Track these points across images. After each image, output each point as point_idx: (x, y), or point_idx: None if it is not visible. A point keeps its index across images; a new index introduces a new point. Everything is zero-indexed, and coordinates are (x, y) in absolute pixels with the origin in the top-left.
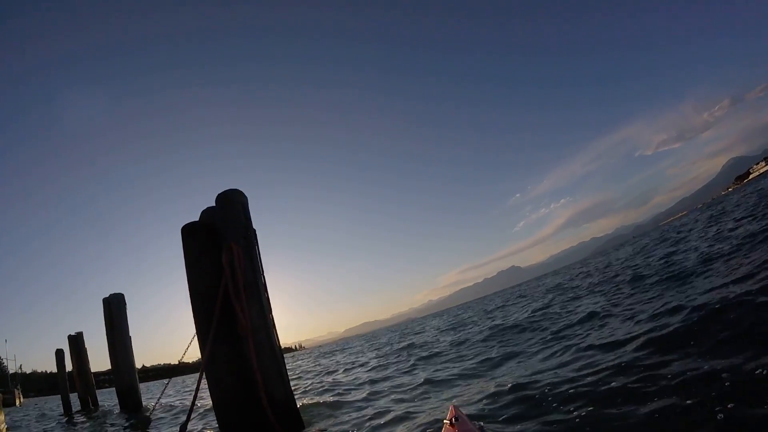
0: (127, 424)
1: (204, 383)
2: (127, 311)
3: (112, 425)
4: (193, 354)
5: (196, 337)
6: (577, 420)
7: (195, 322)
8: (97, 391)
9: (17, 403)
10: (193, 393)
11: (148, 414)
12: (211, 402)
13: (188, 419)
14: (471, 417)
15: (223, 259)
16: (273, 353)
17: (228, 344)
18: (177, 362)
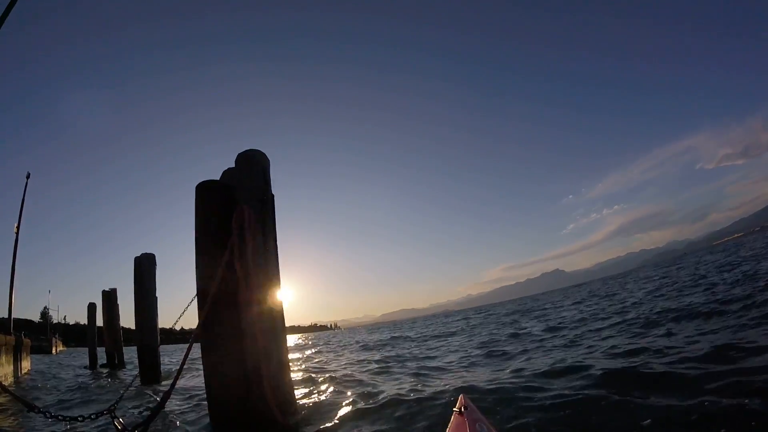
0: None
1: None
2: (157, 271)
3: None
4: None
5: (196, 300)
6: None
7: (197, 286)
8: (128, 348)
9: (53, 351)
10: (181, 361)
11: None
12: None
13: (171, 390)
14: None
15: (233, 221)
16: (273, 327)
17: (226, 312)
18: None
